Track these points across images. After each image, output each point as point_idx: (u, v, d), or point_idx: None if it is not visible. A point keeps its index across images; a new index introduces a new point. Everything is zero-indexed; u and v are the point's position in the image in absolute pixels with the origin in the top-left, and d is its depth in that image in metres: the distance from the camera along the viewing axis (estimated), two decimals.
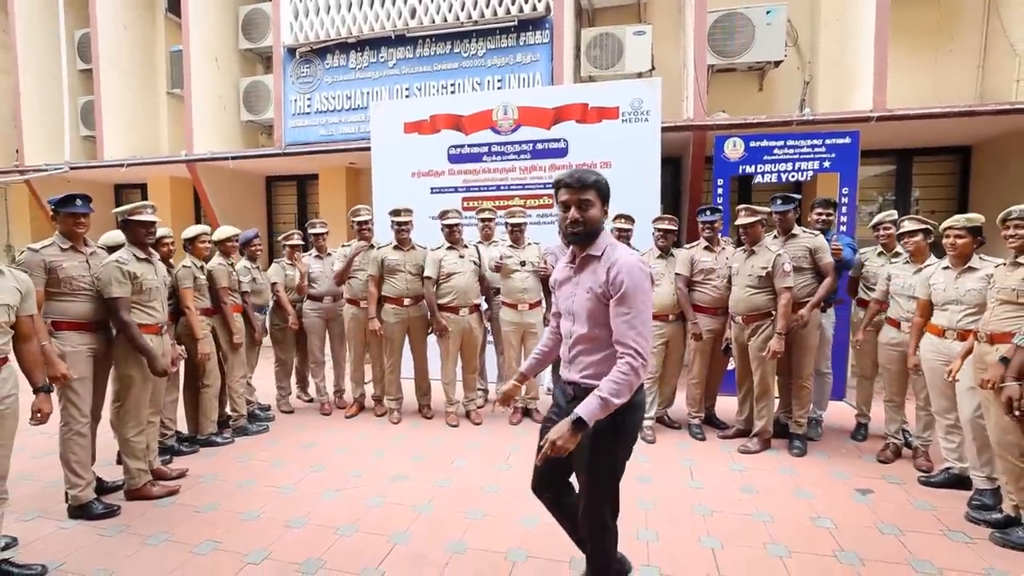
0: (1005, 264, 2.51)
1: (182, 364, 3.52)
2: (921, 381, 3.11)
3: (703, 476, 3.23)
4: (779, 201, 3.53)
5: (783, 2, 5.24)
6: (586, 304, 1.71)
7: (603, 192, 1.72)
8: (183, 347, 3.45)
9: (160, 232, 3.51)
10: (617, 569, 2.02)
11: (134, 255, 2.96)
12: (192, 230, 3.80)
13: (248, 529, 2.68)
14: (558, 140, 5.08)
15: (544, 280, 4.17)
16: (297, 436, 4.04)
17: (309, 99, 6.25)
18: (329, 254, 4.58)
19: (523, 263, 4.12)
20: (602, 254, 1.72)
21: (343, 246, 4.46)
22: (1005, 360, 2.29)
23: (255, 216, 7.45)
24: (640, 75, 5.49)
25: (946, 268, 2.84)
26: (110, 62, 7.03)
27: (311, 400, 4.86)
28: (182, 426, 3.85)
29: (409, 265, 4.19)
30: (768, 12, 5.19)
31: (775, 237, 3.64)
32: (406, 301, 4.18)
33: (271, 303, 4.44)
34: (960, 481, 2.92)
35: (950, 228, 2.78)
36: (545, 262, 4.09)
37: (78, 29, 7.51)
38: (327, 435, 4.04)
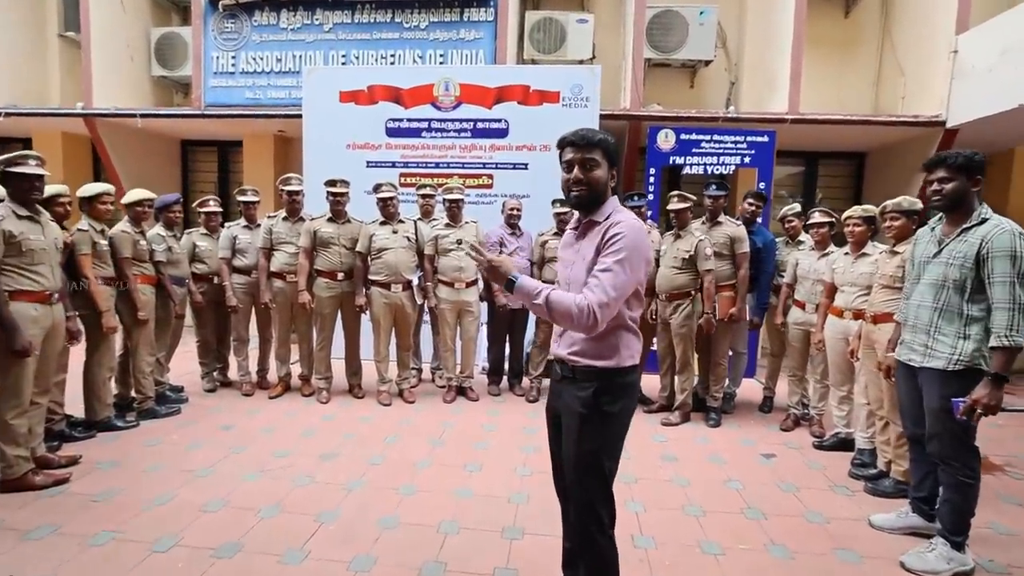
0: (886, 251, 2.84)
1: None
2: (819, 356, 3.48)
3: (628, 447, 3.35)
4: (713, 187, 3.76)
5: (714, 4, 5.53)
6: (581, 272, 1.55)
7: (610, 153, 1.55)
8: (80, 321, 3.11)
9: (53, 189, 3.13)
10: None
11: (14, 212, 2.61)
12: (90, 188, 3.39)
13: (155, 516, 2.47)
14: (499, 120, 5.07)
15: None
16: (215, 418, 3.79)
17: (234, 57, 5.78)
18: (258, 225, 4.29)
19: (459, 241, 4.10)
20: (606, 219, 1.55)
21: (269, 217, 4.20)
22: None
23: (168, 183, 6.79)
24: (581, 62, 5.58)
25: (846, 254, 3.17)
26: None
27: (230, 383, 4.56)
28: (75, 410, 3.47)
29: (344, 238, 4.07)
30: (701, 13, 5.45)
31: (703, 223, 3.88)
32: (339, 275, 4.07)
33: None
34: (845, 444, 3.33)
35: (849, 218, 3.11)
36: (481, 244, 4.12)
37: None
38: (249, 417, 3.83)
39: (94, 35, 5.79)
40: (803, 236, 3.90)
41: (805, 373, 3.74)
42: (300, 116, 5.27)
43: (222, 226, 4.33)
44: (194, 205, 4.42)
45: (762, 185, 4.81)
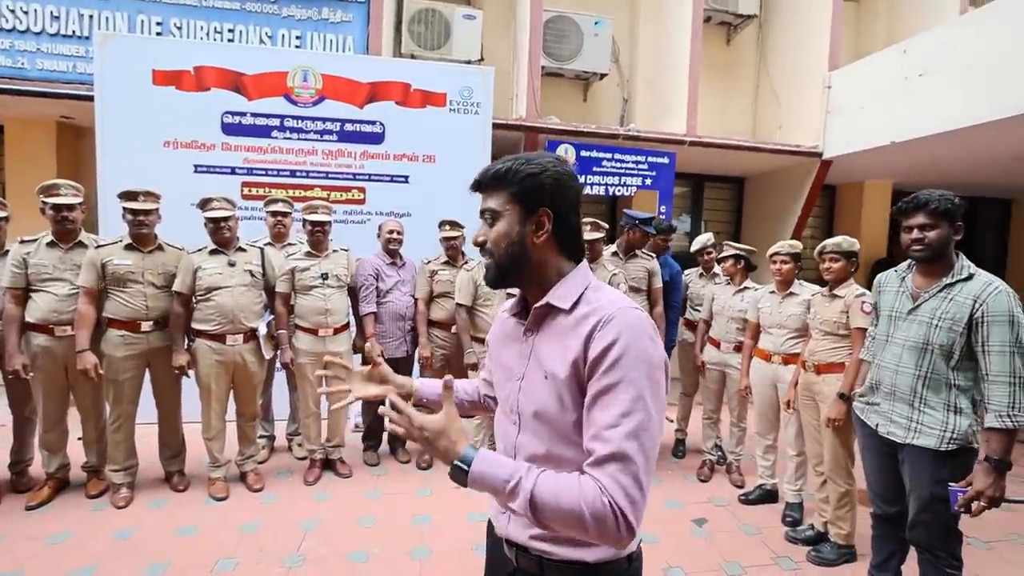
0: (823, 295, 2.59)
1: None
2: (737, 398, 3.22)
3: None
4: (638, 220, 3.31)
5: (609, 15, 5.25)
6: (542, 396, 0.94)
7: (529, 192, 0.94)
8: None
9: None
10: None
11: None
12: None
13: None
14: (373, 123, 4.20)
15: (353, 296, 3.31)
16: None
17: None
18: (4, 252, 2.92)
19: (325, 276, 3.17)
20: (573, 306, 0.94)
21: (23, 241, 2.86)
22: (843, 396, 2.31)
23: None
24: (468, 63, 4.92)
25: (772, 292, 2.90)
26: None
27: None
28: None
29: (151, 273, 2.93)
30: (596, 23, 5.13)
31: (614, 254, 3.42)
32: (145, 325, 2.91)
33: None
34: (770, 495, 3.10)
35: (776, 254, 2.84)
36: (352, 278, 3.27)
37: None
38: None
39: None
40: (717, 268, 3.67)
41: (719, 415, 3.48)
42: (92, 98, 3.87)
43: None
44: None
45: (663, 209, 4.58)
